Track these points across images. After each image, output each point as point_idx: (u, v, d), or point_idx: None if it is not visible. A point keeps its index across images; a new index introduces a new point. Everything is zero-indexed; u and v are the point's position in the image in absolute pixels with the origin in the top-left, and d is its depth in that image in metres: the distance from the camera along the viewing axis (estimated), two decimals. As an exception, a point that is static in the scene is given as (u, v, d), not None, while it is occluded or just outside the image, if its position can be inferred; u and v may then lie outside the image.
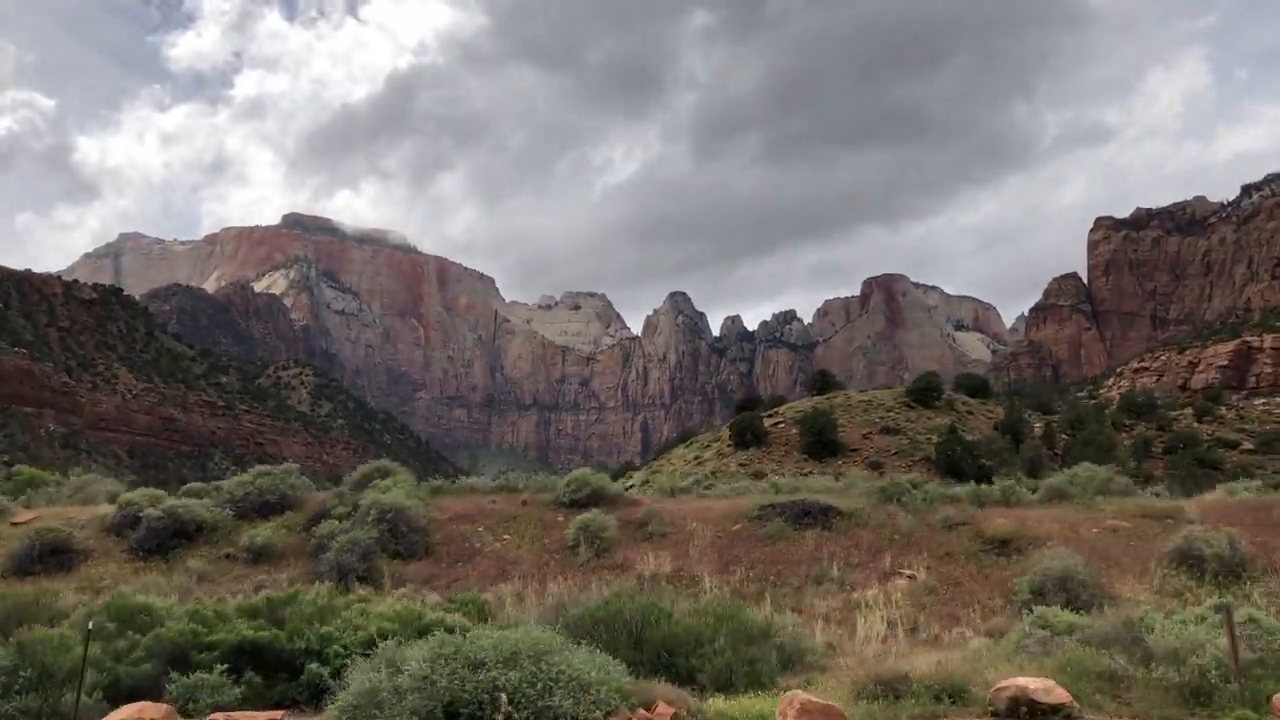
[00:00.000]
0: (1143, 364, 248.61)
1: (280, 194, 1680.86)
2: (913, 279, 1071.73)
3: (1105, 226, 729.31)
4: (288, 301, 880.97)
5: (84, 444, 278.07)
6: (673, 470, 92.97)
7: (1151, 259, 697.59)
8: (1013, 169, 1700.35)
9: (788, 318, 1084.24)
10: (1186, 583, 26.47)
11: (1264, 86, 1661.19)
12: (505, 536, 35.76)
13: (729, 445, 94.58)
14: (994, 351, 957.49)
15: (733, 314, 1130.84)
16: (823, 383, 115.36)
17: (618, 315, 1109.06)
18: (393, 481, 41.47)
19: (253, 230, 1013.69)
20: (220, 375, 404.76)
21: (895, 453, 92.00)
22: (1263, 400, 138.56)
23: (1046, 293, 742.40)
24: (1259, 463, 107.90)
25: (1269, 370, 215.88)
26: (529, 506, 39.13)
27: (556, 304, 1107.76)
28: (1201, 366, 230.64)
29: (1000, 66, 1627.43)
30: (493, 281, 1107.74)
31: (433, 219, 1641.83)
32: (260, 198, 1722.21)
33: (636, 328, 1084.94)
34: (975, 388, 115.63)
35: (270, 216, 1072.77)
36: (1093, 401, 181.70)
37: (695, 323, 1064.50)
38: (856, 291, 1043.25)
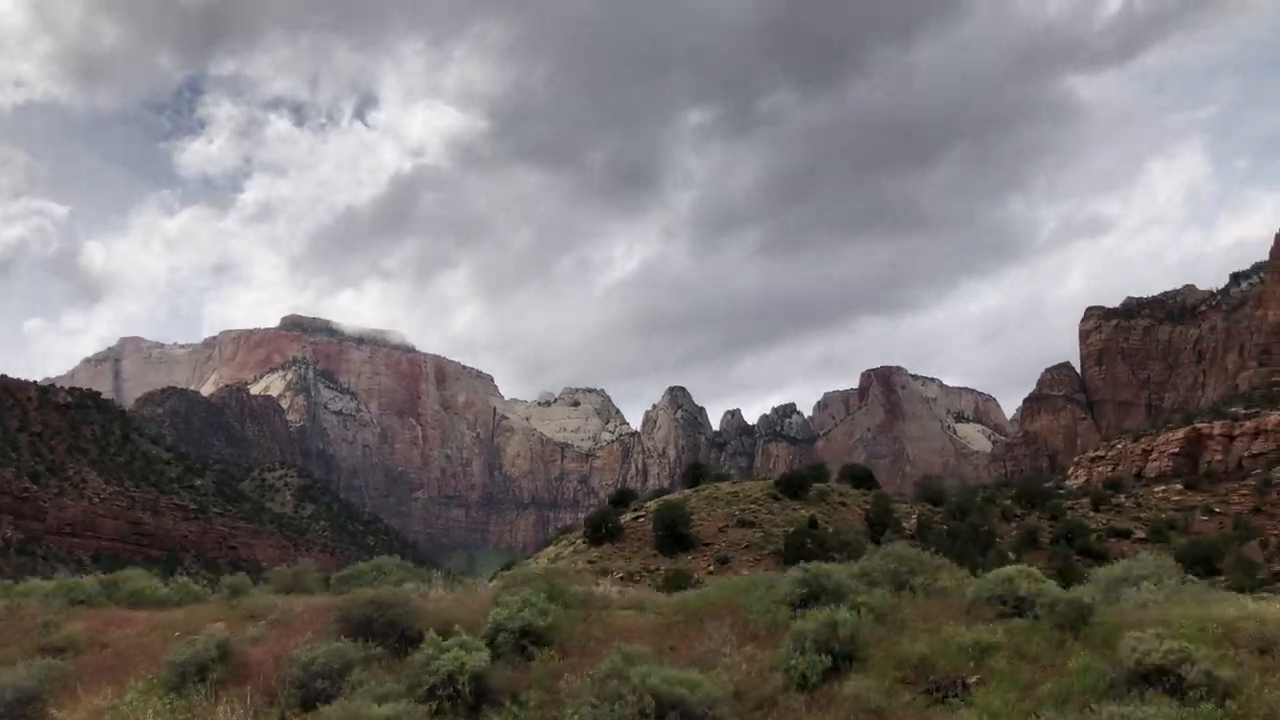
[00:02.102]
0: (1099, 453, 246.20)
1: (283, 295, 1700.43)
2: (914, 371, 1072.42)
3: (1096, 316, 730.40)
4: (284, 403, 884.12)
5: (41, 550, 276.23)
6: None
7: (1144, 348, 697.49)
8: (1012, 261, 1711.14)
9: (788, 411, 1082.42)
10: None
11: (1264, 174, 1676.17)
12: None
13: (584, 541, 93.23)
14: (994, 443, 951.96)
15: (733, 408, 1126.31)
16: (694, 475, 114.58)
17: (617, 411, 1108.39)
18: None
19: (251, 333, 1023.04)
20: (195, 478, 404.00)
21: (747, 546, 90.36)
22: (1162, 488, 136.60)
23: (1040, 383, 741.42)
24: (1148, 552, 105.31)
25: (1219, 457, 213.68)
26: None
27: (556, 400, 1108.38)
28: (1155, 454, 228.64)
29: (995, 161, 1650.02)
30: (491, 379, 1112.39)
31: (434, 318, 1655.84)
32: (263, 300, 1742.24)
33: (636, 423, 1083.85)
34: (860, 478, 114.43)
35: (273, 318, 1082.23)
36: (1060, 491, 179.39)
37: (695, 417, 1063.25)
38: (856, 384, 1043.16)
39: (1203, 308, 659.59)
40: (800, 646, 20.34)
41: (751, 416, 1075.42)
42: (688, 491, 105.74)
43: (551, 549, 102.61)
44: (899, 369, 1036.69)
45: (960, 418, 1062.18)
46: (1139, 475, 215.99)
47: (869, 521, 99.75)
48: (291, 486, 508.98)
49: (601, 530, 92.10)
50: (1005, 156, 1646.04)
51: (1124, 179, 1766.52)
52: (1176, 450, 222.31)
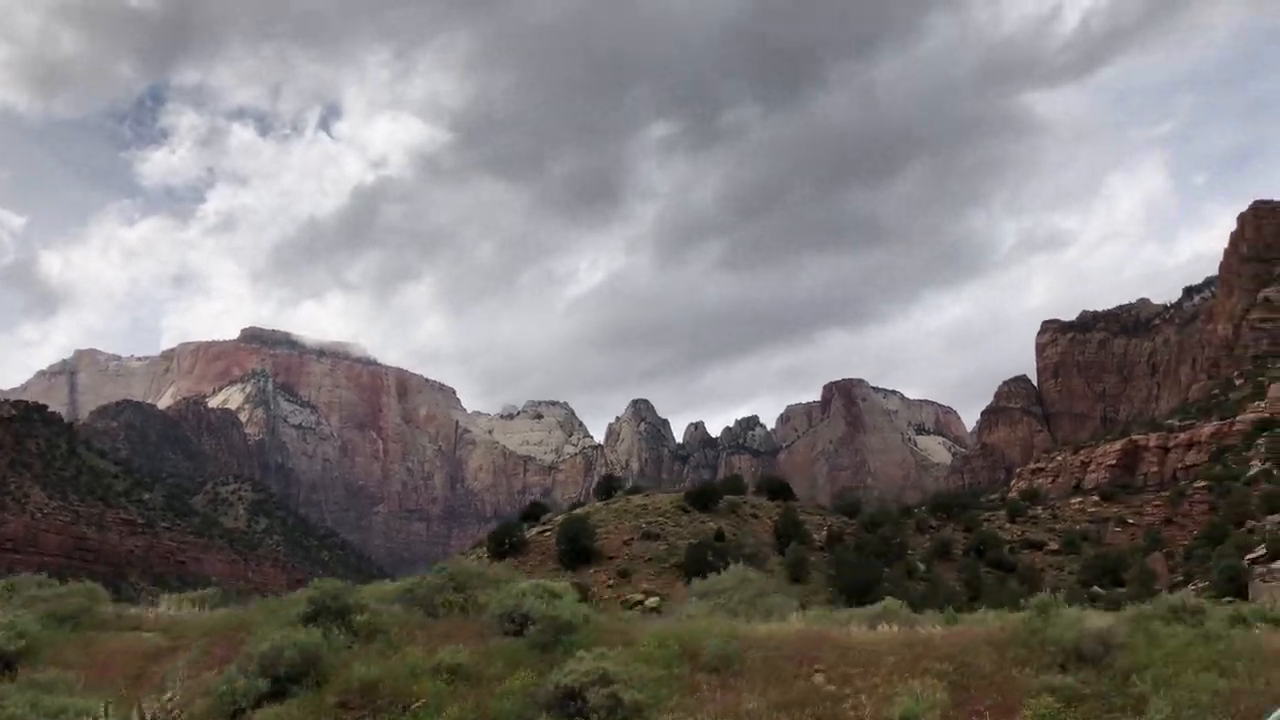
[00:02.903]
0: (1040, 465, 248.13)
1: (244, 307, 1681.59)
2: (876, 384, 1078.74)
3: (1052, 329, 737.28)
4: (243, 416, 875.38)
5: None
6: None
7: (1099, 361, 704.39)
8: (973, 274, 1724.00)
9: (751, 424, 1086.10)
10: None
11: (1221, 189, 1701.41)
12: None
13: (487, 556, 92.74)
14: (954, 455, 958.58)
15: (696, 420, 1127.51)
16: (607, 487, 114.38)
17: (580, 424, 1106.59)
18: None
19: (210, 345, 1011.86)
20: (144, 492, 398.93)
21: (649, 559, 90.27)
22: (1078, 499, 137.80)
23: (997, 396, 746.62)
24: (1059, 563, 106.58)
25: (1155, 469, 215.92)
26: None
27: (519, 413, 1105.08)
28: (1093, 466, 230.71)
29: (956, 175, 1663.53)
30: (454, 392, 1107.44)
31: (397, 330, 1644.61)
32: (224, 311, 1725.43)
33: (600, 436, 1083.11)
34: (775, 490, 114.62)
35: (233, 330, 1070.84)
36: (979, 503, 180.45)
37: (658, 430, 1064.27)
38: (818, 397, 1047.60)
39: (1156, 321, 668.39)
40: (245, 670, 19.94)
41: (715, 429, 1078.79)
42: (598, 504, 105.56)
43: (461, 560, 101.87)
44: (861, 381, 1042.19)
45: (921, 430, 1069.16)
46: (1078, 487, 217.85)
47: (777, 534, 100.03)
48: (245, 501, 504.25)
49: (505, 544, 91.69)
50: (966, 171, 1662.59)
51: (1084, 194, 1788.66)
52: (1114, 462, 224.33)
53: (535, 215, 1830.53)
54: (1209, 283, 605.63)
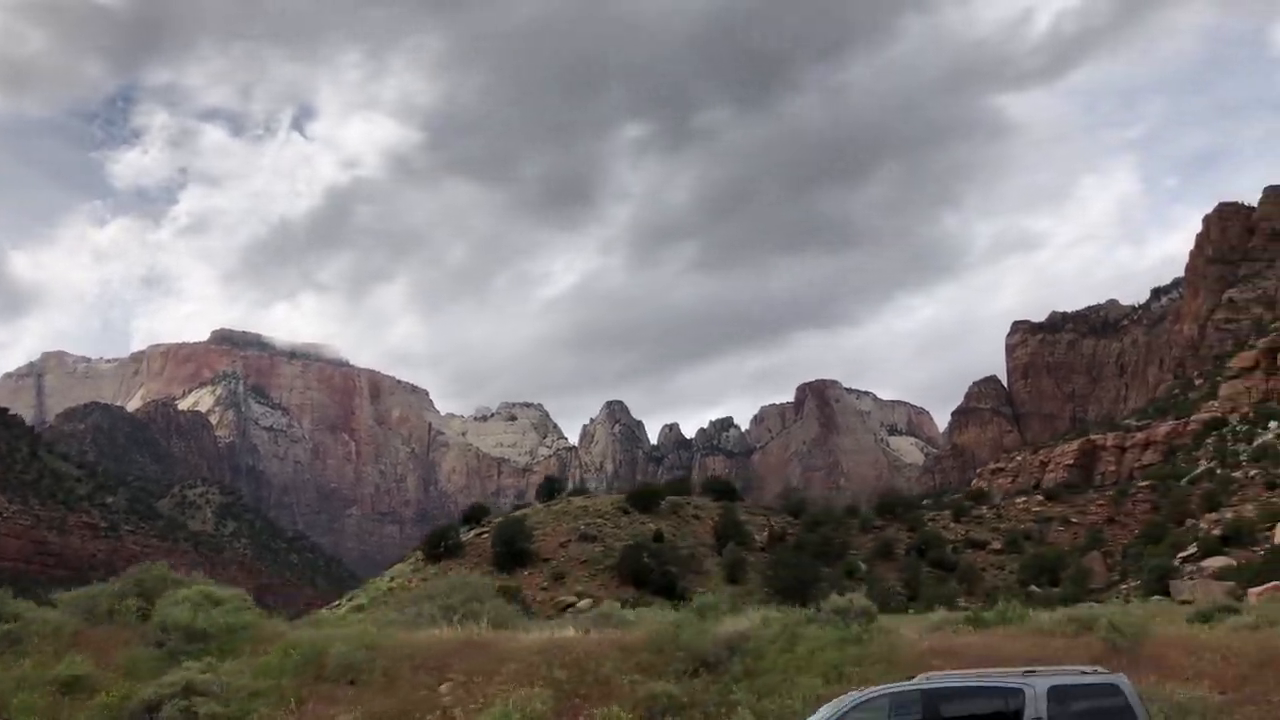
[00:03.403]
0: (999, 465, 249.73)
1: (215, 309, 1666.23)
2: (849, 385, 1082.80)
3: (1022, 330, 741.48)
4: (213, 419, 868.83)
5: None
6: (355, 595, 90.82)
7: (1068, 361, 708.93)
8: (946, 276, 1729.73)
9: (725, 425, 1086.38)
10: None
11: (1192, 192, 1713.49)
12: None
13: (423, 560, 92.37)
14: (927, 455, 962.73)
15: (671, 422, 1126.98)
16: (549, 489, 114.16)
17: (555, 425, 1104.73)
18: None
19: (180, 347, 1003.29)
20: (107, 495, 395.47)
21: (584, 561, 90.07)
22: (1023, 499, 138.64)
23: (968, 396, 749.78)
24: (1000, 562, 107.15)
25: (1113, 468, 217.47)
26: None
27: (492, 415, 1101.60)
28: (1051, 466, 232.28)
29: (928, 178, 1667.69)
30: (427, 394, 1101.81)
31: (369, 332, 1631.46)
32: (194, 313, 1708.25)
33: (575, 438, 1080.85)
34: (720, 491, 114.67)
35: (204, 332, 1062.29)
36: (924, 503, 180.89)
37: (633, 431, 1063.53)
38: (792, 398, 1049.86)
39: (1125, 322, 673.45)
40: None
41: (689, 430, 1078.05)
42: (539, 506, 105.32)
43: (400, 565, 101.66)
44: (834, 383, 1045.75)
45: (894, 430, 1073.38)
46: (1037, 486, 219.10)
47: (716, 535, 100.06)
48: (213, 504, 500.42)
49: (440, 547, 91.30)
50: (939, 173, 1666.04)
51: (1056, 196, 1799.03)
52: (1071, 462, 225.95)
53: (508, 216, 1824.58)
54: (1176, 284, 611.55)
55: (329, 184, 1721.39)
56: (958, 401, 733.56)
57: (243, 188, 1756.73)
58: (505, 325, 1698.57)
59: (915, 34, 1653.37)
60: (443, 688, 17.70)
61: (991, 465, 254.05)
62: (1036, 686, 16.68)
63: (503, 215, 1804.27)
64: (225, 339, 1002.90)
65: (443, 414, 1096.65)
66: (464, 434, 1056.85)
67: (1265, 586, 68.01)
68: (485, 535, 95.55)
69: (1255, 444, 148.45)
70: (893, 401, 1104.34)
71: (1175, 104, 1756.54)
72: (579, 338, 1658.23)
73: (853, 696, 16.58)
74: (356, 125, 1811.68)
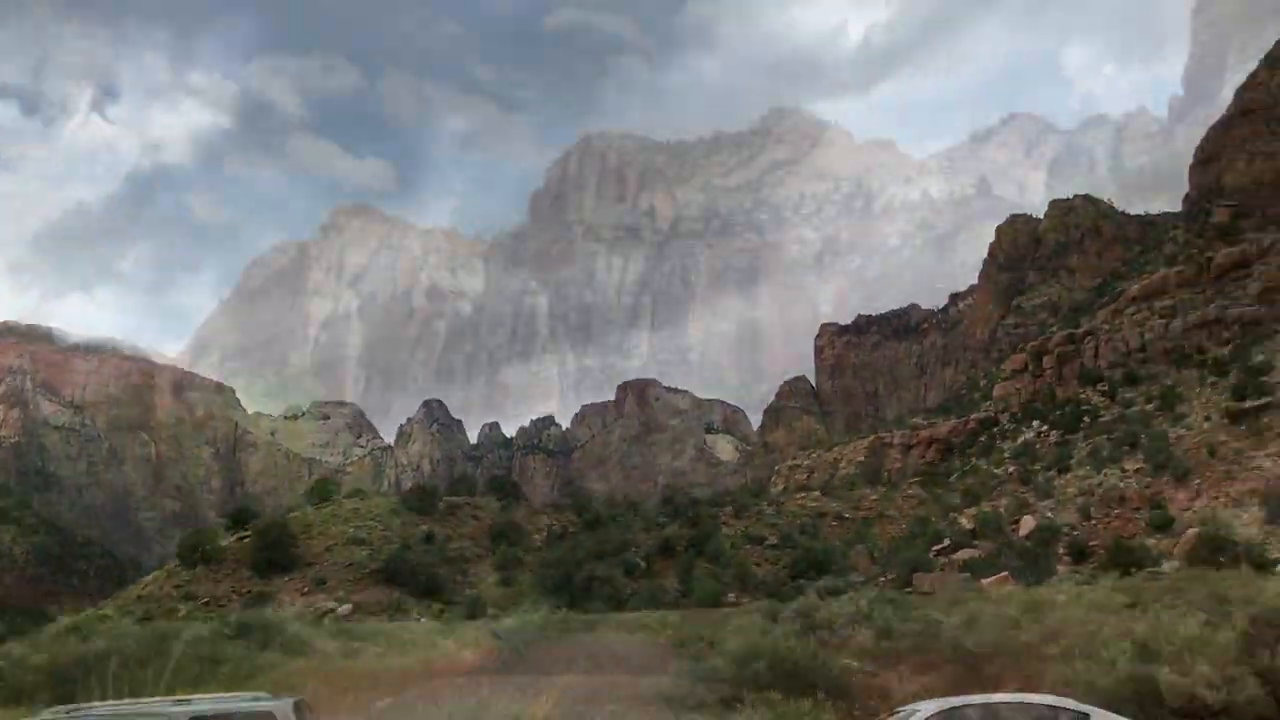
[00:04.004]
0: (797, 462, 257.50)
1: (1, 299, 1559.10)
2: (669, 384, 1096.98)
3: (830, 332, 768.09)
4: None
5: None
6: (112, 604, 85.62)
7: (872, 362, 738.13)
8: (764, 278, 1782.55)
9: (546, 423, 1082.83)
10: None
11: (997, 203, 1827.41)
12: None
13: (178, 565, 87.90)
14: (740, 452, 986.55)
15: (491, 421, 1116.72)
16: (322, 490, 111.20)
17: (370, 425, 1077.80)
18: None
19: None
20: None
21: (349, 565, 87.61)
22: (801, 495, 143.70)
23: (779, 395, 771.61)
24: (775, 557, 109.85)
25: (898, 465, 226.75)
26: None
27: (304, 415, 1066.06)
28: (843, 463, 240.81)
29: (748, 180, 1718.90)
30: (233, 392, 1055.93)
31: (172, 325, 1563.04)
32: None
33: (391, 437, 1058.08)
34: (503, 490, 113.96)
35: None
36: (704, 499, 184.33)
37: (451, 430, 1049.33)
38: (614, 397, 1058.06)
39: (925, 325, 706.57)
40: None
41: (511, 429, 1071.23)
42: (309, 509, 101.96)
43: (156, 572, 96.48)
44: (654, 381, 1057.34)
45: (710, 428, 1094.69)
46: (829, 482, 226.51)
47: (491, 535, 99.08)
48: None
49: (196, 554, 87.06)
50: (758, 176, 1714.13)
51: (869, 204, 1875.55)
52: (861, 459, 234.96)
53: (322, 209, 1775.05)
54: (971, 290, 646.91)
55: (131, 168, 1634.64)
56: (769, 400, 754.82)
57: (35, 170, 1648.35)
58: (319, 322, 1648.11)
59: (732, 39, 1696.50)
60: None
61: (789, 462, 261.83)
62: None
63: (317, 206, 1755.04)
64: (11, 331, 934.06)
65: (250, 413, 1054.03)
66: (273, 434, 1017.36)
67: (995, 577, 71.96)
68: (246, 539, 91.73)
69: (1019, 441, 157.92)
70: (709, 400, 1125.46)
71: (979, 119, 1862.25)
72: (398, 336, 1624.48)
73: None
74: (161, 109, 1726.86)
